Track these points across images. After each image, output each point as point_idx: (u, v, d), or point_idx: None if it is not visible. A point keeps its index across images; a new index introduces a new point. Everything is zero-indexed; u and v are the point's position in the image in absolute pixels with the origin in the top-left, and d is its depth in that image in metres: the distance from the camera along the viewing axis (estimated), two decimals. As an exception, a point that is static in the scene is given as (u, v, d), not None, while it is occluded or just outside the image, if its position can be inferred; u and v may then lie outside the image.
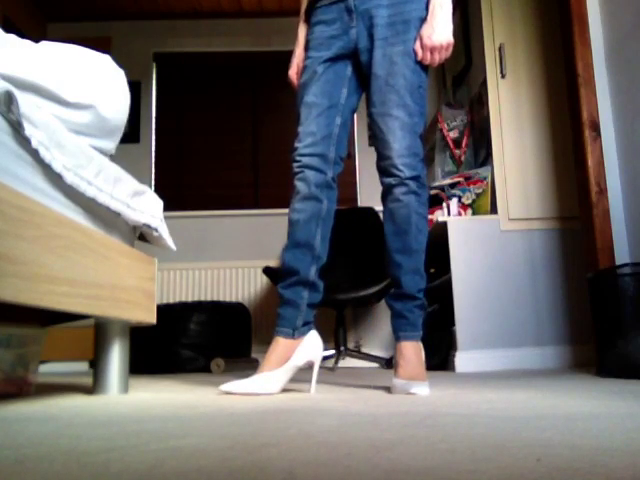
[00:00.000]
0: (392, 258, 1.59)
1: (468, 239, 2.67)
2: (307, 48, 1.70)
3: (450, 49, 1.57)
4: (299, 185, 1.60)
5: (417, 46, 1.57)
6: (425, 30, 1.56)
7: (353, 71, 1.67)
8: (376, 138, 1.62)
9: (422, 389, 1.44)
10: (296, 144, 1.63)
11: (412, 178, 1.57)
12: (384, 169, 1.61)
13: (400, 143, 1.57)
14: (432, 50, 1.55)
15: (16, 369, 1.51)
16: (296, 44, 1.78)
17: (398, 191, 1.57)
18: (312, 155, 1.60)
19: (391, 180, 1.59)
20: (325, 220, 1.61)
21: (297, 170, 1.61)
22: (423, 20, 1.59)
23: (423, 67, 1.60)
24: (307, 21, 1.75)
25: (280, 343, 1.52)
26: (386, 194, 1.62)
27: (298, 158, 1.61)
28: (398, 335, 1.56)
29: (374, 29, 1.59)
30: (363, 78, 1.67)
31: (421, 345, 1.57)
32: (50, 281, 1.09)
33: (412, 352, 1.53)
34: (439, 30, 1.54)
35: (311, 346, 1.53)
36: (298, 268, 1.55)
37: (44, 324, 1.63)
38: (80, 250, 1.22)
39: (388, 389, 1.56)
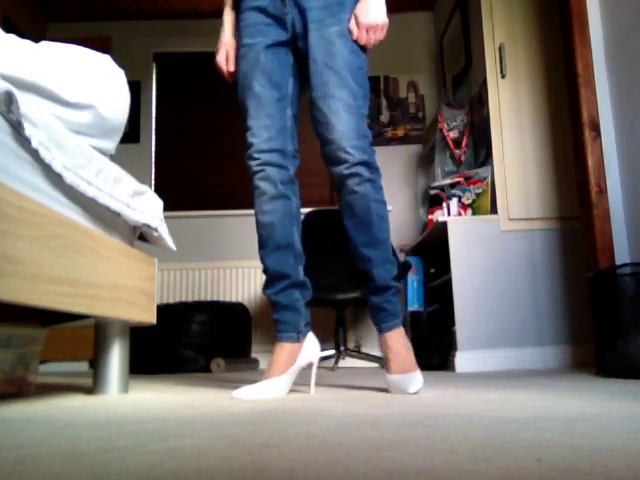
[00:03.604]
0: (360, 253, 1.53)
1: (468, 239, 2.67)
2: (240, 35, 1.62)
3: (385, 30, 1.53)
4: (263, 185, 1.54)
5: (352, 24, 1.52)
6: (360, 9, 1.52)
7: (294, 59, 1.61)
8: (318, 123, 1.52)
9: (417, 381, 1.43)
10: (251, 139, 1.56)
11: (362, 163, 1.49)
12: (331, 156, 1.50)
13: (346, 124, 1.48)
14: (367, 29, 1.51)
15: (16, 369, 1.51)
16: (221, 29, 1.69)
17: (352, 182, 1.49)
18: (271, 151, 1.55)
19: (342, 168, 1.49)
20: (297, 217, 1.58)
21: (257, 169, 1.55)
22: (357, 1, 1.54)
23: (362, 49, 1.55)
24: (235, 7, 1.67)
25: (285, 348, 1.50)
26: (340, 186, 1.53)
27: (256, 155, 1.55)
28: (381, 327, 1.52)
29: (307, 12, 1.53)
30: (303, 66, 1.59)
31: (403, 330, 1.53)
32: (50, 281, 1.09)
33: (399, 342, 1.50)
34: (374, 9, 1.50)
35: (311, 348, 1.52)
36: (287, 272, 1.53)
37: (44, 324, 1.63)
38: (80, 250, 1.22)
39: (387, 389, 1.56)
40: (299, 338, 1.51)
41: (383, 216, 1.53)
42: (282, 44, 1.58)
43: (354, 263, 1.58)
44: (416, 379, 1.43)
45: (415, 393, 1.41)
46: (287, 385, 1.46)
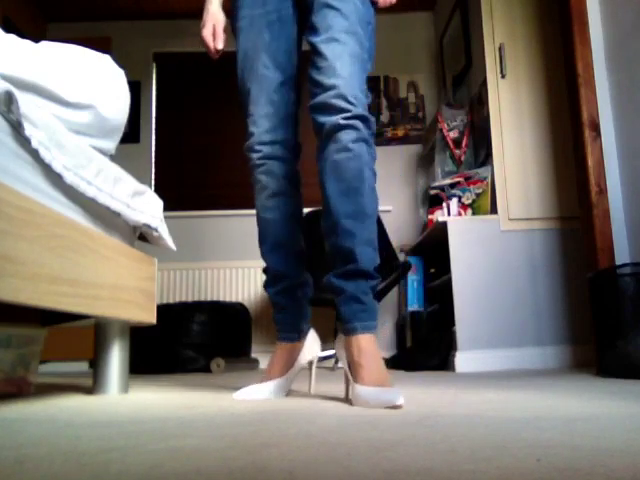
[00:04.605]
0: (340, 225, 1.26)
1: (468, 239, 2.67)
2: (237, 6, 1.47)
3: None
4: (264, 180, 1.44)
5: None
6: None
7: (298, 28, 1.47)
8: (317, 69, 1.29)
9: (399, 397, 1.08)
10: (252, 128, 1.43)
11: (363, 118, 1.26)
12: (326, 103, 1.26)
13: (350, 71, 1.26)
14: None
15: (16, 369, 1.51)
16: None
17: (346, 137, 1.25)
18: (274, 143, 1.42)
19: (337, 118, 1.24)
20: (299, 213, 1.49)
21: (258, 162, 1.44)
22: None
23: (372, 4, 1.40)
24: None
25: (286, 349, 1.44)
26: (327, 142, 1.28)
27: (258, 147, 1.43)
28: (354, 326, 1.23)
29: None
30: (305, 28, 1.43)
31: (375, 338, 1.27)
32: (50, 281, 1.09)
33: (373, 349, 1.22)
34: None
35: (312, 346, 1.48)
36: (288, 271, 1.46)
37: (44, 324, 1.63)
38: (80, 250, 1.22)
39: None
40: (300, 337, 1.46)
41: (374, 189, 1.30)
42: (285, 10, 1.44)
43: (326, 241, 1.32)
44: (398, 392, 1.10)
45: (401, 406, 1.07)
46: (286, 387, 1.44)
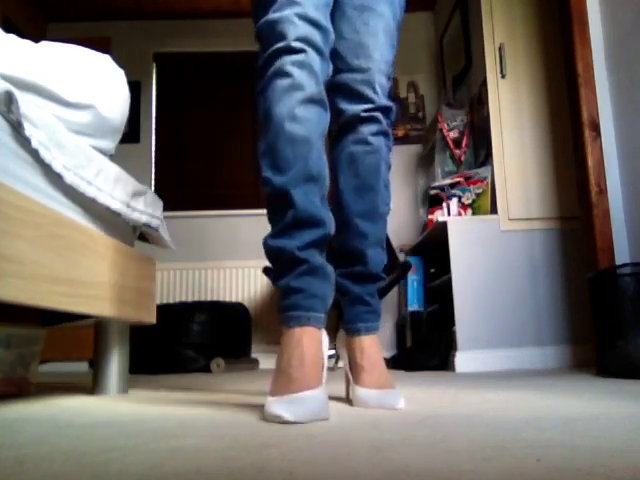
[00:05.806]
0: (352, 225, 1.17)
1: (468, 239, 2.67)
2: None
3: None
4: (299, 75, 0.98)
5: None
6: None
7: None
8: (342, 39, 1.12)
9: (400, 397, 1.07)
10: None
11: (385, 110, 1.16)
12: (349, 87, 1.13)
13: (382, 53, 1.12)
14: None
15: (16, 369, 1.51)
16: None
17: (367, 130, 1.15)
18: (318, 26, 1.00)
19: (359, 109, 1.13)
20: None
21: (295, 46, 0.98)
22: None
23: None
24: None
25: (315, 337, 0.97)
26: (345, 130, 1.17)
27: (297, 21, 0.97)
28: (357, 327, 1.16)
29: None
30: None
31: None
32: (50, 281, 1.09)
33: (376, 350, 1.16)
34: None
35: (324, 339, 1.08)
36: (322, 217, 0.99)
37: (44, 324, 1.63)
38: (80, 250, 1.22)
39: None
40: (324, 321, 1.01)
41: (388, 186, 1.21)
42: None
43: (335, 237, 1.11)
44: (399, 395, 1.08)
45: (401, 408, 1.06)
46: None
